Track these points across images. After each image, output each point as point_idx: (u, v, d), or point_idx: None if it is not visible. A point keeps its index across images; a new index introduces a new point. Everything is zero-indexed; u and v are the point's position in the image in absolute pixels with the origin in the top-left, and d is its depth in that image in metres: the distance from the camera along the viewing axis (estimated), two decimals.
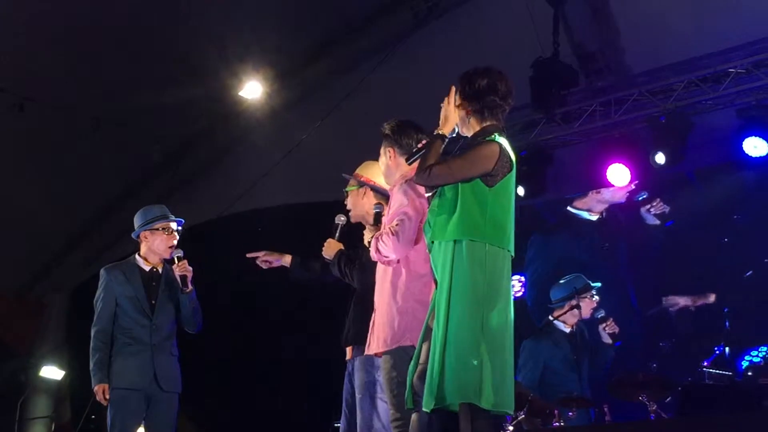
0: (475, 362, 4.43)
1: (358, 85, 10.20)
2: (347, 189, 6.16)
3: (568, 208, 10.76)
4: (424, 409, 4.56)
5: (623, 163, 9.45)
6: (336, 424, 11.34)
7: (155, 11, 9.42)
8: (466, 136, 4.94)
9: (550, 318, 8.49)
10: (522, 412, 7.35)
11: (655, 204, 10.13)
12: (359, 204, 6.07)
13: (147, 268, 6.60)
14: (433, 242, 4.74)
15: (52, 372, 12.49)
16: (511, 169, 4.73)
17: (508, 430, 7.28)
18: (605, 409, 7.89)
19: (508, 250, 4.71)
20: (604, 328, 8.48)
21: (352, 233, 6.16)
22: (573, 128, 9.86)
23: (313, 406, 11.52)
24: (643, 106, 9.44)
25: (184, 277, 6.48)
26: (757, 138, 8.83)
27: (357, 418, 5.69)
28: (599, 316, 8.50)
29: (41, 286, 13.31)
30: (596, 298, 8.46)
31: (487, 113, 4.86)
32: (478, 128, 4.87)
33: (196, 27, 9.60)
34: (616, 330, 8.48)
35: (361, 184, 6.08)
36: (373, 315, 5.48)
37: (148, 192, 11.85)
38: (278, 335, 11.43)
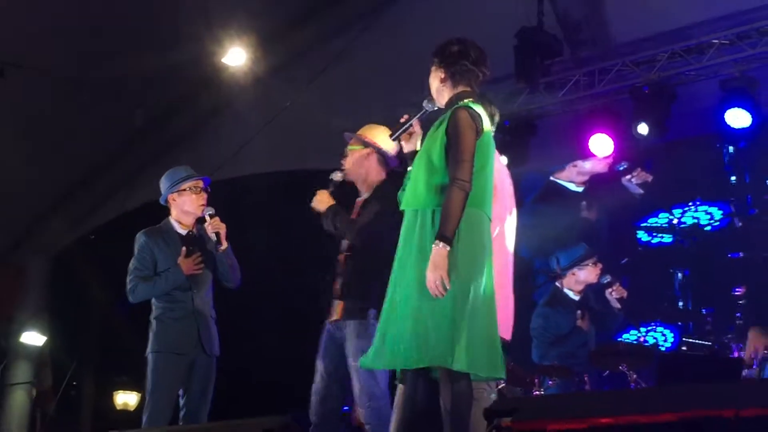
0: (451, 325, 4.42)
1: (341, 52, 10.16)
2: (349, 148, 5.99)
3: (552, 179, 10.65)
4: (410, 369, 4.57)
5: (606, 134, 9.46)
6: None
7: None
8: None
9: (557, 285, 8.56)
10: (502, 381, 7.39)
11: (636, 173, 10.06)
12: (362, 165, 5.94)
13: (183, 231, 6.48)
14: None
15: (33, 338, 12.46)
16: (480, 134, 4.65)
17: (490, 398, 7.31)
18: (585, 378, 7.95)
19: (486, 214, 4.68)
20: (611, 293, 8.52)
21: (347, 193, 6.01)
22: (556, 98, 9.86)
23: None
24: (627, 77, 9.44)
25: (218, 234, 6.34)
26: (739, 109, 8.85)
27: (354, 386, 5.63)
28: (605, 281, 8.54)
29: (23, 250, 13.26)
30: (599, 264, 8.51)
31: (459, 79, 4.83)
32: (450, 95, 4.85)
33: None
34: (624, 294, 8.51)
35: (366, 145, 5.95)
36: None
37: (130, 158, 11.81)
38: (262, 301, 11.42)
